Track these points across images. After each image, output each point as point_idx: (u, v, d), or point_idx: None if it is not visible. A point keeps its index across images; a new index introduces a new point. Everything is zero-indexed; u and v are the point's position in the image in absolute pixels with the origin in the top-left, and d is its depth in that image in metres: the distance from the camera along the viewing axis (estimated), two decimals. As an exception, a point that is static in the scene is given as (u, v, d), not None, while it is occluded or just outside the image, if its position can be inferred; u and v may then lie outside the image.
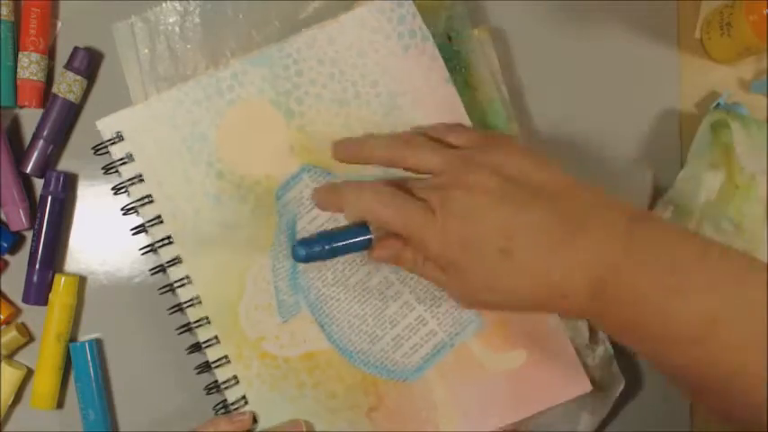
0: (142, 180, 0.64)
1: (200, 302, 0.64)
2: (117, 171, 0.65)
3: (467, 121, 0.65)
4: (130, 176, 0.64)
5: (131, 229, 0.65)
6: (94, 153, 0.65)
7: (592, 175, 0.69)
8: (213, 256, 0.64)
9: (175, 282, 0.64)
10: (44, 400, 0.67)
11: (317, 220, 0.65)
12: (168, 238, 0.64)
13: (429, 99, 0.65)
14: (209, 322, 0.64)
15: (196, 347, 0.65)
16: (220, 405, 0.65)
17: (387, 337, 0.65)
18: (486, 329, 0.65)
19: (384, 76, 0.65)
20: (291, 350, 0.65)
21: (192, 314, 0.65)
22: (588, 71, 0.71)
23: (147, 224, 0.64)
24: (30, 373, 0.69)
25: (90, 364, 0.67)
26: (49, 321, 0.67)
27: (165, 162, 0.64)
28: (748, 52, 0.68)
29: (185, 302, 0.64)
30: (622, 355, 0.68)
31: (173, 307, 0.65)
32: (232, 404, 0.65)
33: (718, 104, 0.69)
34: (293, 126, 0.65)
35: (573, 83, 0.71)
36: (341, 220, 0.64)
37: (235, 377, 0.65)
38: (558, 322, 0.65)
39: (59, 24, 0.70)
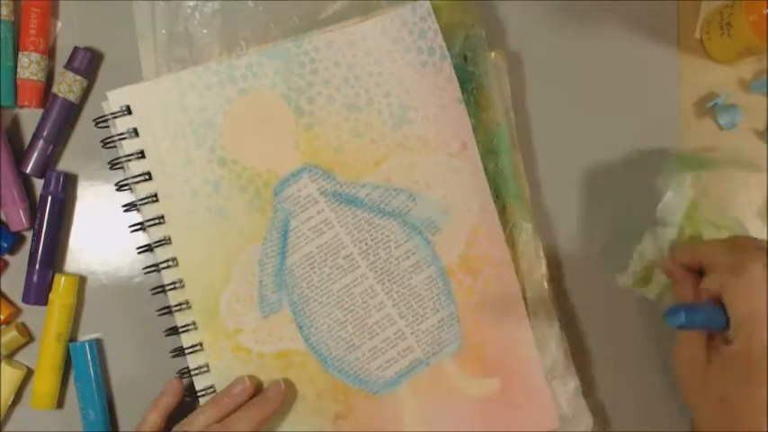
0: (143, 156, 0.64)
1: (182, 286, 0.64)
2: (115, 146, 0.65)
3: (472, 142, 0.66)
4: (132, 151, 0.64)
5: (123, 206, 0.65)
6: (95, 125, 0.65)
7: (592, 174, 0.71)
8: (203, 241, 0.64)
9: (161, 263, 0.64)
10: (44, 400, 0.67)
11: (310, 221, 0.65)
12: (161, 217, 0.64)
13: (439, 117, 0.66)
14: (189, 307, 0.64)
15: (173, 331, 0.65)
16: (186, 393, 0.65)
17: (364, 347, 0.65)
18: (464, 353, 0.66)
19: (398, 87, 0.65)
20: (267, 346, 0.65)
21: (174, 297, 0.64)
22: (588, 71, 0.71)
23: (142, 202, 0.64)
24: (30, 373, 0.68)
25: (90, 363, 0.67)
26: (49, 321, 0.67)
27: (169, 141, 0.64)
28: (748, 52, 0.68)
29: (168, 285, 0.64)
30: (593, 395, 0.69)
31: (156, 288, 0.65)
32: (200, 392, 0.64)
33: (716, 104, 0.69)
34: (301, 124, 0.65)
35: (573, 82, 0.71)
36: (335, 226, 0.65)
37: (206, 365, 0.64)
38: (536, 355, 0.66)
39: (59, 24, 0.70)
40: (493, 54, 0.68)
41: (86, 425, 0.67)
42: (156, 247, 0.64)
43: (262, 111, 0.65)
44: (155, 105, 0.64)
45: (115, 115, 0.64)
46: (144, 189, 0.64)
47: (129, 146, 0.64)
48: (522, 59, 0.71)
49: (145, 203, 0.64)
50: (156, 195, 0.64)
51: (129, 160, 0.64)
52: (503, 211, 0.66)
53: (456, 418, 0.65)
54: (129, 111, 0.64)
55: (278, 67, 0.65)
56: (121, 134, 0.64)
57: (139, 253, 0.65)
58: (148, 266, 0.65)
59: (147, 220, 0.64)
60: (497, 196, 0.66)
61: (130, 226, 0.65)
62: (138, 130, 0.64)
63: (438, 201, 0.65)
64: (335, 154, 0.65)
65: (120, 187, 0.65)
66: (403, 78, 0.65)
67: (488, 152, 0.67)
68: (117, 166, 0.65)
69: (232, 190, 0.64)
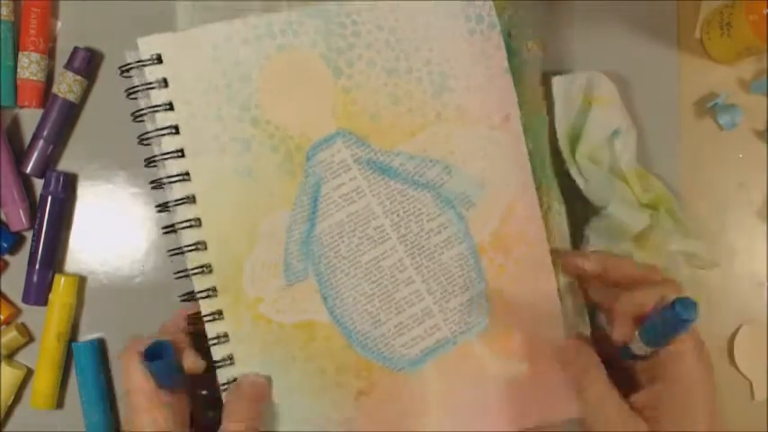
0: (171, 109, 0.60)
1: (205, 248, 0.61)
2: (136, 97, 0.61)
3: (516, 114, 0.64)
4: (161, 102, 0.60)
5: (145, 161, 0.61)
6: (120, 74, 0.61)
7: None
8: (229, 203, 0.61)
9: (183, 222, 0.60)
10: (44, 400, 0.67)
11: (341, 188, 0.62)
12: (185, 174, 0.60)
13: (484, 87, 0.64)
14: (210, 271, 0.61)
15: (190, 296, 0.61)
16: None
17: (390, 323, 0.63)
18: (492, 333, 0.64)
19: (442, 55, 0.63)
20: (288, 317, 0.62)
21: (194, 259, 0.61)
22: (588, 71, 0.70)
23: (167, 156, 0.60)
24: (30, 373, 0.68)
25: (93, 363, 0.67)
26: (50, 321, 0.67)
27: (200, 94, 0.60)
28: (748, 52, 0.69)
29: (190, 245, 0.60)
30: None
31: (174, 249, 0.61)
32: (218, 362, 0.61)
33: (716, 104, 0.71)
34: (339, 86, 0.62)
35: None
36: (367, 195, 0.62)
37: (225, 334, 0.61)
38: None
39: (59, 24, 0.69)
40: (529, 44, 0.66)
41: (89, 425, 0.66)
42: (179, 205, 0.60)
43: (300, 69, 0.62)
44: (187, 55, 0.60)
45: (144, 63, 0.60)
46: (170, 143, 0.60)
47: (157, 97, 0.60)
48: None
49: (170, 158, 0.60)
50: (182, 151, 0.60)
51: (156, 111, 0.60)
52: (537, 193, 0.65)
53: (481, 399, 0.63)
54: (159, 60, 0.60)
55: (318, 26, 0.62)
56: (149, 83, 0.60)
57: (159, 211, 0.61)
58: (168, 226, 0.61)
59: (170, 176, 0.60)
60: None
61: (152, 182, 0.61)
62: (168, 81, 0.60)
63: (475, 174, 0.63)
64: (372, 121, 0.63)
65: (141, 141, 0.61)
66: (448, 46, 0.63)
67: (526, 130, 0.65)
68: (139, 119, 0.61)
69: (263, 150, 0.61)
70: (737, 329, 0.71)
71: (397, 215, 0.63)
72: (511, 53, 0.65)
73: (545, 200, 0.65)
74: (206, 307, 0.60)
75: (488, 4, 0.64)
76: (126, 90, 0.61)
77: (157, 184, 0.61)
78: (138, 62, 0.60)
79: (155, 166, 0.61)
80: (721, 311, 0.71)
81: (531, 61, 0.66)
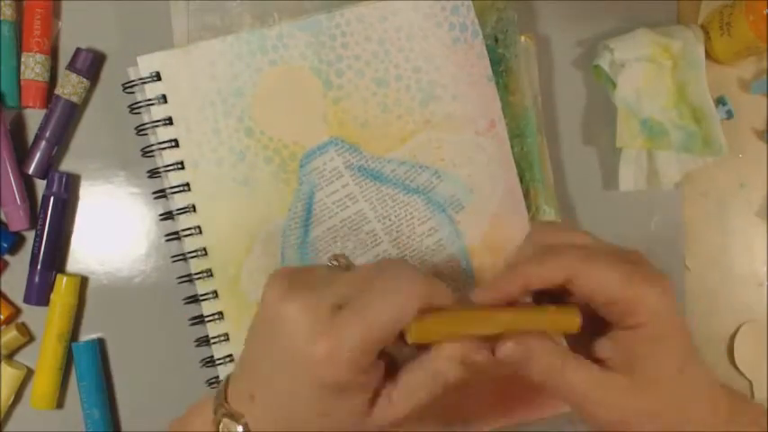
0: (170, 123, 0.64)
1: (205, 254, 0.64)
2: (140, 112, 0.64)
3: (500, 120, 0.65)
4: (160, 118, 0.64)
5: (148, 172, 0.65)
6: (123, 90, 0.64)
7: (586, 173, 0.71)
8: (227, 211, 0.64)
9: (185, 230, 0.64)
10: (44, 400, 0.67)
11: (335, 195, 0.64)
12: (186, 185, 0.64)
13: (468, 94, 0.65)
14: (211, 276, 0.64)
15: (193, 299, 0.65)
16: (208, 359, 0.65)
17: (384, 323, 0.65)
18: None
19: (428, 63, 0.65)
20: None
21: (196, 265, 0.64)
22: (586, 70, 0.72)
23: (168, 169, 0.64)
24: (30, 373, 0.68)
25: (94, 363, 0.67)
26: (51, 321, 0.67)
27: (197, 109, 0.64)
28: (748, 52, 0.69)
29: (191, 252, 0.64)
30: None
31: (177, 256, 0.65)
32: (219, 359, 0.64)
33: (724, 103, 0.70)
34: (330, 97, 0.65)
35: (570, 80, 0.72)
36: (360, 201, 0.65)
37: (225, 334, 0.64)
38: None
39: (61, 24, 0.70)
40: (523, 38, 0.68)
41: (90, 424, 0.67)
42: (181, 214, 0.64)
43: (291, 82, 0.65)
44: (184, 72, 0.64)
45: (144, 81, 0.64)
46: (170, 156, 0.64)
47: (156, 112, 0.64)
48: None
49: (171, 170, 0.64)
50: (182, 163, 0.64)
51: (157, 126, 0.64)
52: (526, 195, 0.66)
53: (475, 395, 0.65)
54: (158, 77, 0.64)
55: (309, 40, 0.64)
56: (150, 100, 0.64)
57: (162, 220, 0.65)
58: (170, 234, 0.65)
59: (172, 187, 0.64)
60: (521, 180, 0.66)
61: (154, 192, 0.65)
62: (167, 97, 0.64)
63: (464, 179, 0.65)
64: (362, 128, 0.65)
65: (145, 153, 0.64)
66: (434, 55, 0.65)
67: (515, 135, 0.67)
68: (143, 133, 0.64)
69: (258, 160, 0.64)
70: (737, 329, 0.71)
71: (389, 219, 0.65)
72: (497, 59, 0.66)
73: (533, 203, 0.67)
74: (207, 309, 0.64)
75: (471, 14, 0.65)
76: (129, 106, 0.64)
77: (161, 195, 0.64)
78: (138, 80, 0.64)
79: (158, 176, 0.64)
80: (721, 311, 0.71)
81: (524, 55, 0.68)
